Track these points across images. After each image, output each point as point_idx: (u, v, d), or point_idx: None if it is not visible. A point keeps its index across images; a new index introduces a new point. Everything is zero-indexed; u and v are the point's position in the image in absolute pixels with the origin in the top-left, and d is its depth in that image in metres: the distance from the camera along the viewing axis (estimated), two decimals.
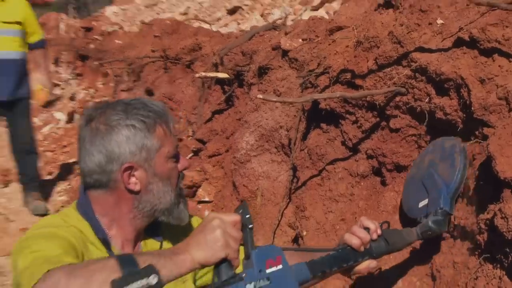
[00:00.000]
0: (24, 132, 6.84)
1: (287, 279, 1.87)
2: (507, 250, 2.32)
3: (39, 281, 1.58)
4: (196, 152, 5.39)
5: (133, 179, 2.04)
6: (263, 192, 4.19)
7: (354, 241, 2.31)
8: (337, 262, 2.29)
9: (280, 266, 1.85)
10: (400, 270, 2.94)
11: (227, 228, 1.76)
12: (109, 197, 2.07)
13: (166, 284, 1.61)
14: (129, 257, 1.66)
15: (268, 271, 1.81)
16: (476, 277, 2.51)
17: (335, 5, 7.52)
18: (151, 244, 2.22)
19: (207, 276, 2.38)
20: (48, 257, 1.73)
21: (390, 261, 2.99)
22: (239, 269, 1.83)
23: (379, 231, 2.40)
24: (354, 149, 3.37)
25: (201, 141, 5.29)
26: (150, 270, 1.57)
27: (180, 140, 5.81)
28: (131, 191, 2.05)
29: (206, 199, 5.03)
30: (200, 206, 5.10)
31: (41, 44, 6.97)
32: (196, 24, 8.70)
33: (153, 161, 2.05)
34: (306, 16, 5.88)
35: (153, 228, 2.22)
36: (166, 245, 2.24)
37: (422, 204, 2.74)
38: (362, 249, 2.34)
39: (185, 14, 13.31)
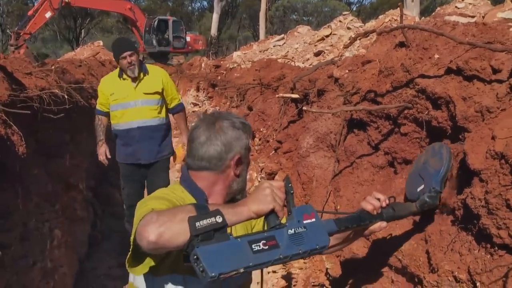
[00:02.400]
0: (161, 185, 5.42)
1: (319, 228, 1.83)
2: (475, 221, 2.26)
3: (142, 218, 1.65)
4: (276, 150, 5.37)
5: (240, 167, 2.09)
6: (317, 178, 4.14)
7: (368, 206, 2.31)
8: (356, 221, 2.27)
9: (313, 220, 1.82)
10: (403, 236, 2.87)
11: (274, 189, 1.78)
12: (212, 177, 2.08)
13: (229, 226, 1.64)
14: (203, 204, 1.72)
15: (304, 222, 1.79)
16: (454, 241, 2.45)
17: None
18: None
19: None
20: (153, 208, 1.79)
21: (396, 230, 2.91)
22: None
23: (387, 201, 2.39)
24: (376, 148, 3.29)
25: (279, 142, 5.27)
26: (217, 212, 1.61)
27: (267, 141, 5.81)
28: (234, 175, 2.09)
29: None
30: None
31: (179, 108, 5.77)
32: (288, 62, 8.67)
33: (248, 156, 2.14)
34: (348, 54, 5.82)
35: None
36: None
37: (419, 188, 2.67)
38: (374, 212, 2.33)
39: (285, 56, 13.36)
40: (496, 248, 2.11)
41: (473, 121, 2.51)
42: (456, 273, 2.33)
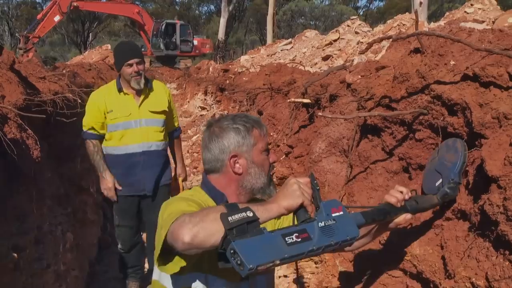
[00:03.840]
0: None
1: (348, 220, 1.87)
2: (493, 228, 2.27)
3: (174, 220, 1.74)
4: (287, 154, 5.37)
5: (237, 165, 2.13)
6: (329, 183, 4.14)
7: (392, 199, 2.34)
8: (382, 213, 2.31)
9: (341, 213, 1.86)
10: (418, 242, 2.86)
11: (301, 184, 1.82)
12: (222, 179, 2.17)
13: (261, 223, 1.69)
14: (233, 204, 1.80)
15: (333, 215, 1.83)
16: (471, 248, 2.45)
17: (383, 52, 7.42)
18: None
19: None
20: (183, 209, 1.87)
21: (411, 235, 2.91)
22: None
23: (409, 194, 2.42)
24: (390, 153, 3.29)
25: (290, 146, 5.27)
26: (247, 208, 1.67)
27: (278, 146, 5.81)
28: (235, 173, 2.14)
29: None
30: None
31: (178, 133, 5.04)
32: (296, 66, 8.68)
33: (251, 153, 2.13)
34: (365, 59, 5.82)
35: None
36: None
37: (438, 183, 2.69)
38: (398, 205, 2.36)
39: (293, 60, 13.37)
40: None
41: (490, 127, 2.51)
42: (474, 279, 2.32)
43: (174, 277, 2.04)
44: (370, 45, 3.24)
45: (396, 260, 2.98)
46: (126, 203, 4.66)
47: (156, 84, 4.68)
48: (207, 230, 1.63)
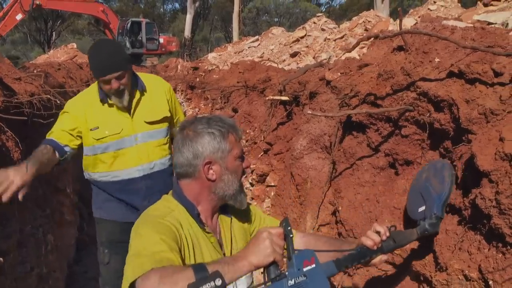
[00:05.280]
0: None
1: (319, 275, 1.80)
2: (485, 221, 2.30)
3: (142, 276, 1.66)
4: (265, 152, 5.37)
5: (211, 171, 2.04)
6: (311, 179, 4.15)
7: (369, 242, 2.24)
8: (356, 259, 2.22)
9: (313, 265, 1.79)
10: None
11: (274, 238, 1.76)
12: (194, 185, 2.08)
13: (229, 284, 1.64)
14: (201, 266, 1.67)
15: (305, 269, 1.77)
16: (462, 240, 2.49)
17: (364, 49, 7.48)
18: (224, 218, 2.23)
19: None
20: (154, 252, 1.79)
21: (401, 229, 2.94)
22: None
23: (387, 234, 2.31)
24: (376, 149, 3.32)
25: (269, 143, 5.27)
26: (216, 275, 1.61)
27: (255, 143, 5.81)
28: (209, 180, 2.05)
29: (272, 184, 5.01)
30: (268, 189, 5.09)
31: None
32: (268, 63, 8.69)
33: (226, 159, 2.04)
34: (344, 57, 5.87)
35: (225, 208, 2.22)
36: (234, 221, 2.26)
37: (420, 209, 2.71)
38: (375, 248, 2.26)
39: (261, 57, 13.39)
40: (509, 247, 2.15)
41: (477, 123, 2.55)
42: (467, 271, 2.36)
43: None
44: (357, 43, 3.25)
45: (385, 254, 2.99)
46: (118, 230, 3.35)
47: (150, 82, 3.45)
48: None
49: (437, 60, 2.89)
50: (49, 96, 4.88)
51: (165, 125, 3.40)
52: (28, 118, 4.55)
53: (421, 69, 2.94)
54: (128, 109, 3.29)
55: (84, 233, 6.84)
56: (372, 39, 3.52)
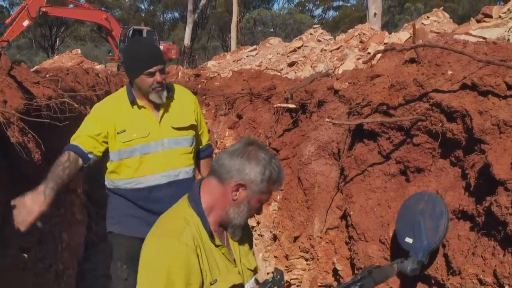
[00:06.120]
0: None
1: None
2: (500, 228, 2.30)
3: None
4: None
5: (237, 192, 1.98)
6: (319, 184, 4.15)
7: None
8: None
9: None
10: None
11: None
12: (218, 189, 2.02)
13: None
14: None
15: None
16: (475, 246, 2.48)
17: (360, 60, 7.48)
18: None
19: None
20: None
21: None
22: None
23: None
24: (387, 157, 3.31)
25: (275, 149, 5.25)
26: None
27: None
28: (231, 197, 2.00)
29: None
30: (274, 193, 5.06)
31: (209, 152, 3.62)
32: (273, 72, 8.68)
33: (254, 195, 1.99)
34: (341, 68, 5.88)
35: None
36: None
37: (407, 240, 2.71)
38: None
39: (259, 66, 13.37)
40: None
41: (490, 133, 2.55)
42: (482, 276, 2.36)
43: None
44: (373, 56, 3.25)
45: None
46: (138, 248, 2.75)
47: (178, 90, 3.35)
48: None
49: (449, 72, 2.90)
50: (67, 99, 4.84)
51: (191, 133, 3.26)
52: (46, 121, 4.52)
53: (434, 81, 2.94)
54: (157, 113, 3.15)
55: (92, 231, 6.81)
56: (367, 50, 3.52)
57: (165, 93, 3.10)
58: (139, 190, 3.14)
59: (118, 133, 3.07)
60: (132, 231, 3.16)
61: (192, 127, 3.26)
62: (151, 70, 2.98)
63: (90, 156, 3.05)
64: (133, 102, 3.12)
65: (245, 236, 2.22)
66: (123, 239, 3.22)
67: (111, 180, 3.22)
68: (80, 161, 3.02)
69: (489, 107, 2.61)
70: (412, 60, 3.21)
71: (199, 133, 3.41)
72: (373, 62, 3.68)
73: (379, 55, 3.71)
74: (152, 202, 3.11)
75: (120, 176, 3.16)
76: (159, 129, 3.13)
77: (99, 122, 3.08)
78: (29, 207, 2.67)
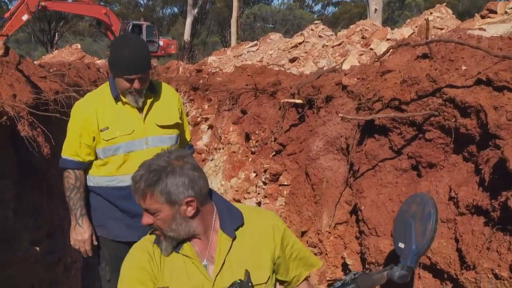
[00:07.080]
0: None
1: None
2: None
3: None
4: (277, 152, 5.35)
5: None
6: (327, 179, 4.15)
7: None
8: None
9: None
10: None
11: None
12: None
13: None
14: None
15: None
16: (490, 241, 2.47)
17: (362, 56, 7.47)
18: (225, 238, 2.13)
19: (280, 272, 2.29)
20: None
21: None
22: None
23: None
24: (399, 152, 3.30)
25: (281, 144, 5.25)
26: None
27: (265, 144, 5.79)
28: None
29: (285, 183, 4.99)
30: (281, 188, 5.07)
31: (192, 150, 3.55)
32: (275, 67, 8.66)
33: None
34: (344, 64, 5.87)
35: (230, 228, 2.15)
36: (236, 242, 2.14)
37: (400, 245, 2.64)
38: None
39: (260, 61, 13.36)
40: None
41: (505, 129, 2.55)
42: (497, 271, 2.36)
43: None
44: (386, 51, 3.25)
45: None
46: (122, 250, 2.59)
47: (163, 88, 3.26)
48: None
49: (463, 68, 2.89)
50: (74, 94, 4.84)
51: (175, 132, 3.22)
52: (53, 115, 4.52)
53: (447, 76, 2.93)
54: (140, 109, 3.08)
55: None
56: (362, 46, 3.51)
57: (142, 99, 3.03)
58: (121, 188, 3.07)
59: (101, 130, 2.99)
60: (114, 235, 3.16)
61: (177, 125, 3.22)
62: (130, 77, 2.91)
63: (88, 161, 3.09)
64: (117, 98, 3.04)
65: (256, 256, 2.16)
66: (106, 241, 3.22)
67: (93, 176, 3.15)
68: (82, 172, 3.10)
69: (505, 103, 2.61)
70: (424, 56, 3.21)
71: (183, 131, 3.38)
72: (363, 58, 3.66)
73: (383, 50, 3.70)
74: (132, 202, 2.71)
75: (101, 173, 3.10)
76: (144, 126, 3.07)
77: (83, 127, 3.00)
78: (80, 239, 3.06)
